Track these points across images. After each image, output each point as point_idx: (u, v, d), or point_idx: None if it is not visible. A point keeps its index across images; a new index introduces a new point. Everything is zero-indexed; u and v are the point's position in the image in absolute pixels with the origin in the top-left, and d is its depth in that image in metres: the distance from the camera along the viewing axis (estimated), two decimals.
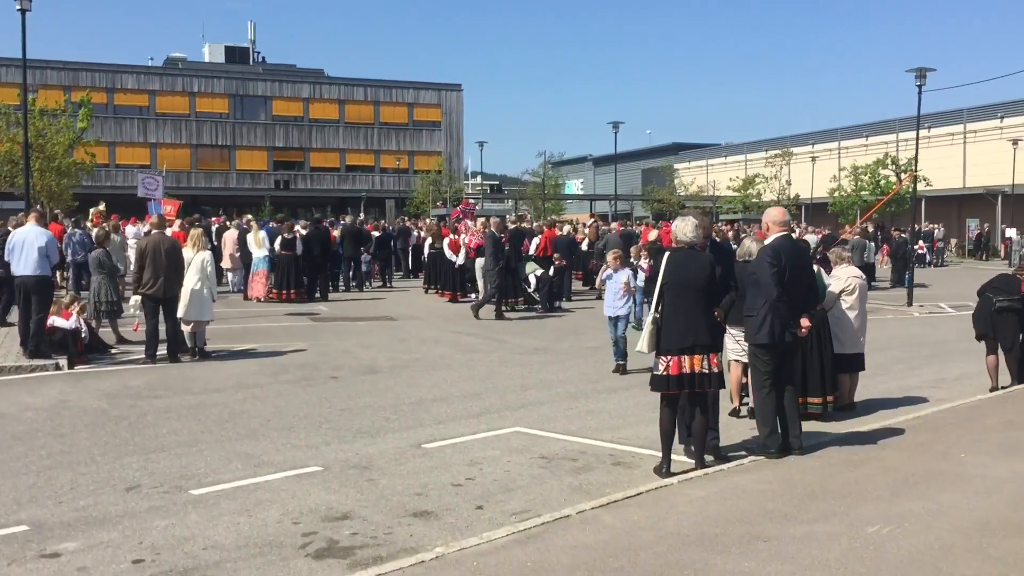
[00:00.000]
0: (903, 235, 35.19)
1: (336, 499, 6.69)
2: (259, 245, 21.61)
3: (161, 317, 13.05)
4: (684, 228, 7.24)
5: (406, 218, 38.45)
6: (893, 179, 47.28)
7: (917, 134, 24.66)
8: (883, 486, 6.43)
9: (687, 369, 7.04)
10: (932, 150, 55.77)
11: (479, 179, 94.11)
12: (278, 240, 21.61)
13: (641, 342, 7.21)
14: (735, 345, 9.09)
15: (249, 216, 23.14)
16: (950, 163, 57.96)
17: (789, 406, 7.51)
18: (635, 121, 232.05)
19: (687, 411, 7.48)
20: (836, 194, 49.00)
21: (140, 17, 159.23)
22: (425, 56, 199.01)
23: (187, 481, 7.16)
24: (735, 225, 43.57)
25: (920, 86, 22.81)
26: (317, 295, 22.44)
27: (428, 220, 37.71)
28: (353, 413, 9.72)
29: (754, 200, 33.59)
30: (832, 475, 6.81)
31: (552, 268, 21.62)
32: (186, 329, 13.35)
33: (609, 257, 13.03)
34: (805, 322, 7.47)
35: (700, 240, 7.31)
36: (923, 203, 51.09)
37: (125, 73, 64.33)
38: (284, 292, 21.61)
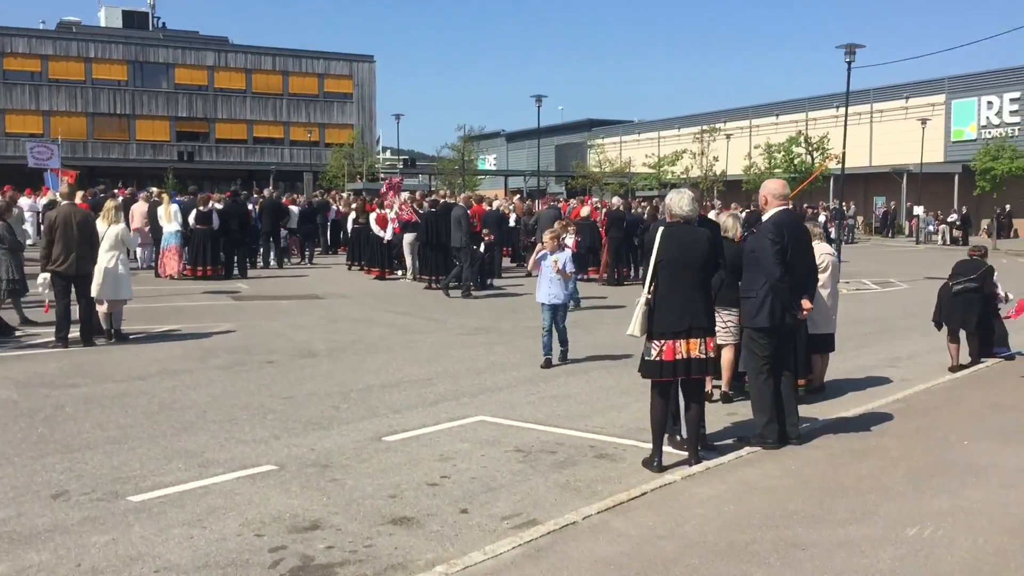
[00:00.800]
0: (815, 212, 35.71)
1: (300, 504, 5.91)
2: (169, 219, 20.29)
3: (73, 297, 11.89)
4: (680, 201, 6.65)
5: (324, 191, 37.07)
6: (807, 157, 48.08)
7: (846, 111, 24.78)
8: (900, 480, 6.01)
9: (682, 354, 6.48)
10: (841, 129, 56.90)
11: (388, 153, 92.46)
12: (192, 214, 20.33)
13: (632, 325, 6.61)
14: (723, 327, 8.58)
15: (155, 188, 21.64)
16: (858, 142, 59.25)
17: (787, 392, 7.03)
18: (548, 98, 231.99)
19: (674, 399, 6.93)
20: (751, 171, 49.62)
21: None
22: (336, 26, 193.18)
23: (123, 485, 6.27)
24: (652, 202, 43.59)
25: (850, 63, 22.84)
26: (235, 272, 21.26)
27: (345, 194, 36.50)
28: (298, 402, 8.89)
29: (681, 176, 33.41)
30: (840, 468, 6.36)
31: (483, 244, 20.91)
32: (101, 310, 12.21)
33: (546, 238, 11.74)
34: (807, 304, 6.99)
35: (696, 214, 6.73)
36: (831, 181, 52.11)
37: (16, 36, 60.68)
38: (200, 268, 20.38)
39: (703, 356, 6.51)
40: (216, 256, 20.58)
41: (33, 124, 60.60)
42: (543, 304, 10.96)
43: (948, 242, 43.81)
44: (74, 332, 11.98)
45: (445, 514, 5.76)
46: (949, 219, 45.39)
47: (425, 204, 21.96)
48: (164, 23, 75.17)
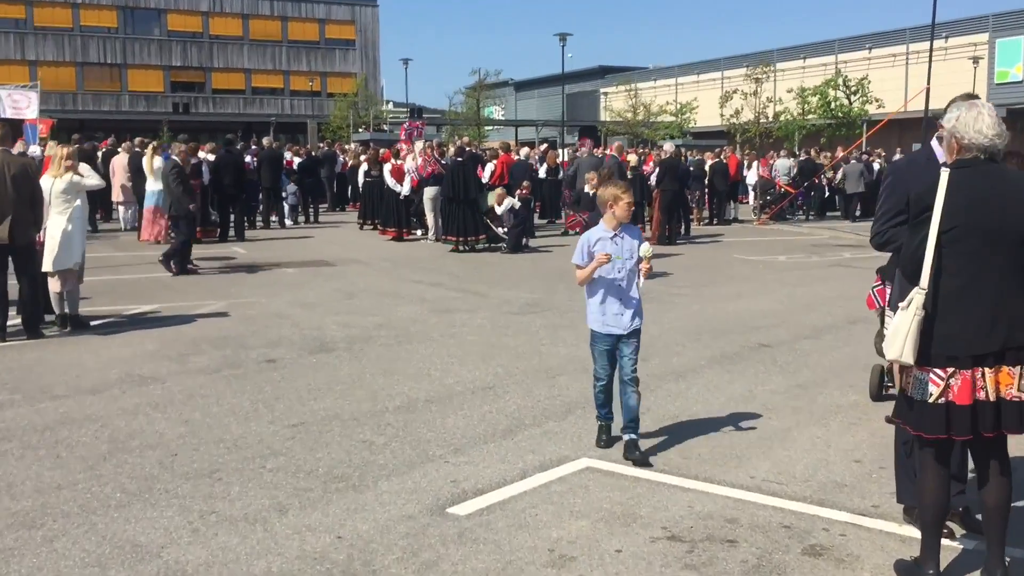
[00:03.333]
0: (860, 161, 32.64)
1: None
2: (152, 174, 17.35)
3: (12, 274, 9.11)
4: (977, 121, 3.79)
5: (329, 142, 34.05)
6: (845, 101, 44.81)
7: (932, 43, 21.67)
8: None
9: (988, 393, 3.70)
10: (874, 71, 53.59)
11: (391, 105, 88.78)
12: None
13: (896, 342, 3.79)
14: None
15: (142, 139, 18.79)
16: (892, 86, 55.88)
17: None
18: (573, 35, 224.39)
19: (962, 462, 4.18)
20: (782, 117, 46.31)
21: None
22: None
23: None
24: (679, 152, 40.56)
25: None
26: (231, 233, 18.44)
27: (352, 145, 33.53)
28: (312, 434, 6.13)
29: (732, 120, 30.34)
30: None
31: (516, 200, 18.06)
32: (53, 288, 9.45)
33: (604, 194, 5.82)
34: None
35: (1004, 144, 3.86)
36: (864, 127, 48.84)
37: None
38: None
39: (1020, 396, 3.72)
40: (207, 216, 17.74)
41: (19, 75, 57.00)
42: (599, 335, 5.79)
43: None
44: (16, 321, 9.23)
45: None
46: None
47: (448, 153, 19.04)
48: None
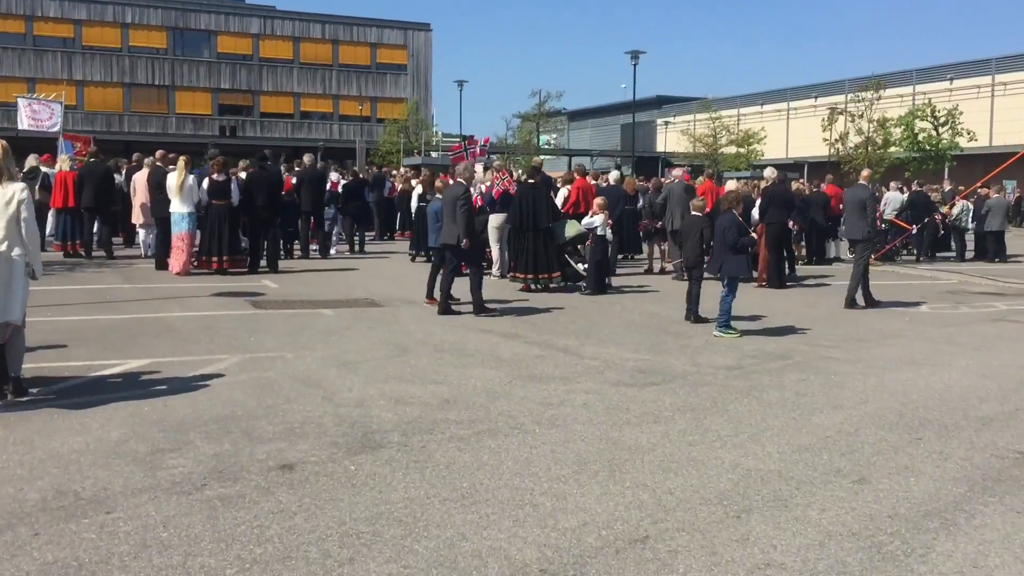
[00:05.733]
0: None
1: None
2: (180, 194, 14.65)
3: None
4: None
5: (378, 166, 31.51)
6: (932, 132, 41.29)
7: None
8: None
9: None
10: (967, 102, 49.91)
11: (440, 134, 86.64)
12: (204, 184, 14.87)
13: None
14: None
15: (164, 151, 16.22)
16: (976, 119, 52.27)
17: None
18: (608, 75, 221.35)
19: None
20: (860, 151, 42.97)
21: None
22: None
23: None
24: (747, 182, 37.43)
25: None
26: (262, 264, 15.79)
27: (402, 169, 31.03)
28: None
29: (837, 146, 27.12)
30: None
31: (608, 230, 15.11)
32: None
33: None
34: None
35: None
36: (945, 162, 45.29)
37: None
38: (215, 259, 14.92)
39: None
40: (235, 242, 15.10)
41: (66, 95, 55.88)
42: None
43: None
44: None
45: None
46: None
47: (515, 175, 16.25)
48: None
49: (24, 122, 22.93)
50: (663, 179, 20.96)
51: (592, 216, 14.10)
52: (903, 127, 41.80)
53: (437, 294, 11.93)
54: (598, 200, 13.98)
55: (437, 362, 8.64)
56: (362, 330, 10.33)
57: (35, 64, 55.41)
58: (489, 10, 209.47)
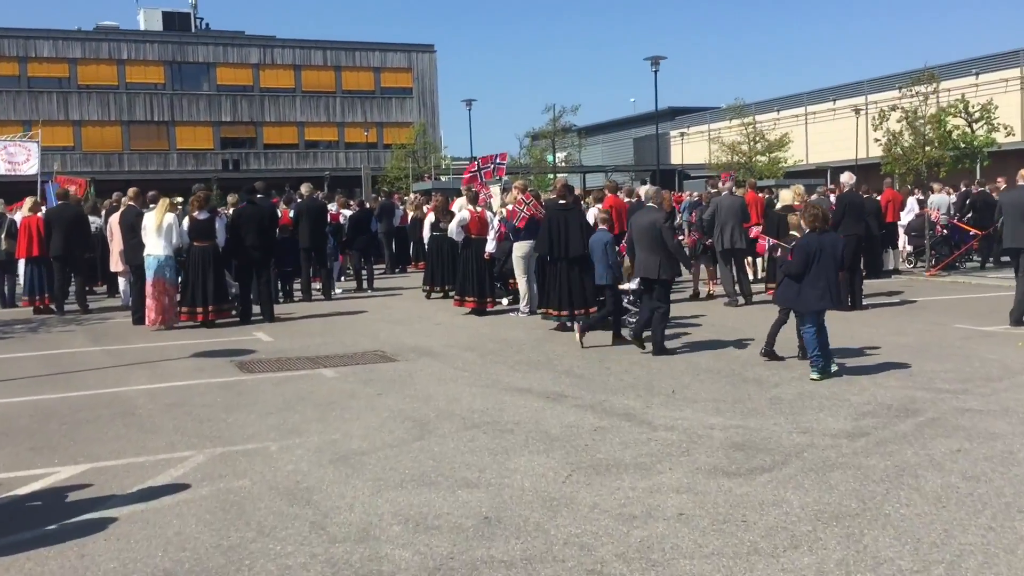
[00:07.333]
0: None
1: None
2: (159, 233, 12.65)
3: None
4: None
5: (387, 193, 29.47)
6: (966, 129, 38.98)
7: None
8: None
9: None
10: (982, 98, 47.65)
11: (449, 158, 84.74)
12: (185, 222, 12.88)
13: None
14: None
15: (136, 189, 14.07)
16: (1007, 112, 49.87)
17: None
18: (618, 89, 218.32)
19: None
20: (893, 150, 40.65)
21: None
22: (392, 13, 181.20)
23: None
24: (770, 191, 35.26)
25: None
26: (255, 312, 13.75)
27: (412, 196, 29.06)
28: None
29: (892, 147, 24.86)
30: None
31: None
32: None
33: None
34: None
35: None
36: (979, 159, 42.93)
37: (40, 39, 54.58)
38: (199, 310, 12.88)
39: None
40: (222, 289, 13.06)
41: (63, 136, 54.38)
42: None
43: None
44: None
45: None
46: None
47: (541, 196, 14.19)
48: (207, 24, 68.77)
49: (1, 167, 21.14)
50: (711, 190, 18.86)
51: (629, 280, 12.17)
52: (936, 124, 39.47)
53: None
54: (626, 265, 11.92)
55: (467, 446, 6.56)
56: (370, 398, 8.26)
57: (30, 106, 53.88)
58: (492, 26, 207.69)
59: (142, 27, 64.40)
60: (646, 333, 10.45)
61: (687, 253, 12.93)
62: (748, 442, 6.52)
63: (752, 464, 5.98)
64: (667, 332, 10.54)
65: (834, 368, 8.75)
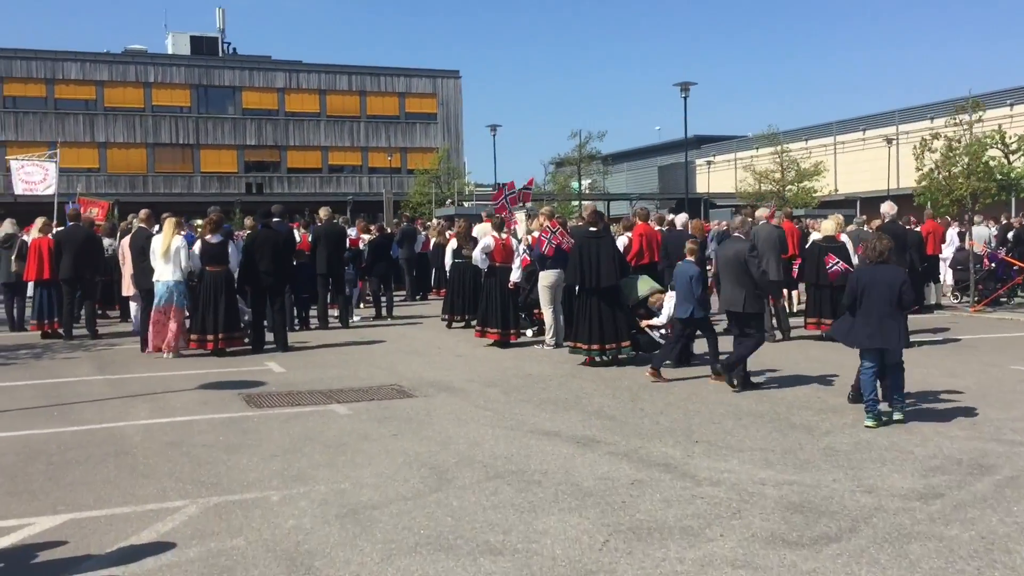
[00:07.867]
0: None
1: None
2: (167, 258, 12.11)
3: None
4: None
5: (410, 219, 28.93)
6: (1004, 160, 38.08)
7: None
8: None
9: None
10: (1017, 128, 46.70)
11: (473, 184, 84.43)
12: (196, 247, 12.31)
13: None
14: None
15: (147, 211, 13.53)
16: None
17: None
18: (642, 116, 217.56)
19: None
20: (927, 181, 39.77)
21: (92, 7, 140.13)
22: (417, 39, 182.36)
23: None
24: (798, 220, 34.41)
25: None
26: (268, 340, 13.13)
27: (435, 221, 28.52)
28: None
29: (936, 176, 23.97)
30: None
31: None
32: None
33: None
34: None
35: None
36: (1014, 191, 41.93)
37: (67, 61, 54.83)
38: (209, 338, 12.27)
39: None
40: (233, 317, 12.45)
41: (88, 158, 54.56)
42: None
43: None
44: None
45: None
46: None
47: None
48: (235, 48, 68.99)
49: (19, 187, 20.77)
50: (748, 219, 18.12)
51: (660, 313, 11.59)
52: (971, 156, 38.61)
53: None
54: (662, 299, 11.32)
55: (490, 500, 5.86)
56: (384, 440, 7.58)
57: (56, 127, 54.01)
58: (518, 51, 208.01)
59: (170, 51, 64.67)
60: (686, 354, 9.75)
61: (771, 282, 12.48)
62: (807, 502, 5.78)
63: (815, 531, 5.24)
64: (695, 369, 9.85)
65: (896, 416, 8.00)
